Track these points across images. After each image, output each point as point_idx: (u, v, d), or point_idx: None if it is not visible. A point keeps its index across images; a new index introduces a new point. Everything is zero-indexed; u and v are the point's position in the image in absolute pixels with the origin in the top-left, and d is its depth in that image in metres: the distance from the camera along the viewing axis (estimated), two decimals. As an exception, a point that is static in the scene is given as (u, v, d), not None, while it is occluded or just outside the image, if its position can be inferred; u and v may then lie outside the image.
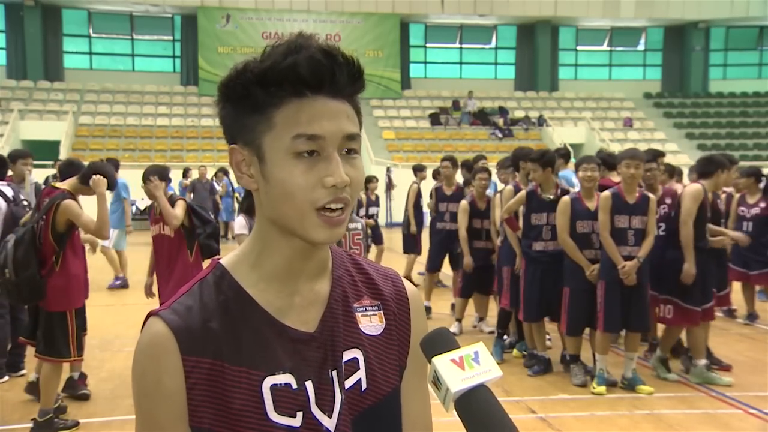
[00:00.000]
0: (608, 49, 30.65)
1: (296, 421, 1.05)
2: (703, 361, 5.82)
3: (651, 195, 5.73)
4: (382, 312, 1.17)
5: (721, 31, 30.40)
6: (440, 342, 1.00)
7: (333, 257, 1.17)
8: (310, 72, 1.01)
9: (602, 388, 5.61)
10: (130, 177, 11.07)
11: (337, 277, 1.15)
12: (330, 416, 1.07)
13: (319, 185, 1.02)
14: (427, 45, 29.72)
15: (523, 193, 6.16)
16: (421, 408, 1.21)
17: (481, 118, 26.44)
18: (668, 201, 6.18)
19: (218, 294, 1.07)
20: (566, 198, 5.83)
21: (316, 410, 1.06)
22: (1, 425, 4.98)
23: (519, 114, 27.10)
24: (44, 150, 21.73)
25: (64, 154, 21.17)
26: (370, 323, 1.15)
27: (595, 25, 29.96)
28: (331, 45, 1.04)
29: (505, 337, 6.88)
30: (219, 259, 1.13)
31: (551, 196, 6.01)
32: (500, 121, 26.36)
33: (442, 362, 0.98)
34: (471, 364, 0.97)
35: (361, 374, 1.11)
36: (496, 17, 28.62)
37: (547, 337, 6.69)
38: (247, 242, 1.13)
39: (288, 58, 1.00)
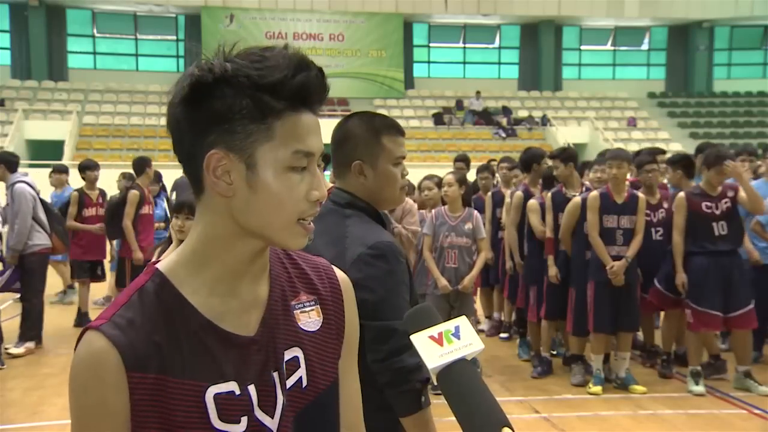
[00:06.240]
0: (612, 48, 30.58)
1: (240, 427, 1.06)
2: (744, 367, 5.64)
3: (640, 194, 5.69)
4: (319, 306, 1.19)
5: (726, 31, 30.32)
6: (421, 318, 1.02)
7: (270, 255, 1.17)
8: (317, 92, 1.04)
9: (598, 388, 5.62)
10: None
11: (275, 276, 1.16)
12: (272, 417, 1.08)
13: (304, 198, 1.05)
14: (431, 45, 29.68)
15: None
16: (352, 392, 1.24)
17: (485, 117, 26.41)
18: (666, 205, 6.13)
19: (159, 304, 1.05)
20: (577, 199, 5.81)
21: (259, 413, 1.07)
22: (6, 424, 4.99)
23: (522, 114, 27.06)
24: (48, 150, 21.79)
25: (68, 154, 21.22)
26: (309, 319, 1.17)
27: (599, 25, 29.89)
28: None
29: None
30: (156, 263, 1.11)
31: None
32: (504, 121, 26.33)
33: (420, 339, 1.00)
34: (450, 339, 0.99)
35: (301, 372, 1.13)
36: (499, 17, 28.58)
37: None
38: (190, 245, 1.10)
39: (299, 75, 1.02)
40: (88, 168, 8.08)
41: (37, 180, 7.39)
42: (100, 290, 9.05)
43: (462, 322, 1.01)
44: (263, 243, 1.09)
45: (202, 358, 1.05)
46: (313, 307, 1.18)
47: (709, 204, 5.58)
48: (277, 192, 1.04)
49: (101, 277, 8.40)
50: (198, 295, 1.07)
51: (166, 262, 1.10)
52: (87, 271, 8.11)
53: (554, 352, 6.58)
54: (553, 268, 6.01)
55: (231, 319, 1.08)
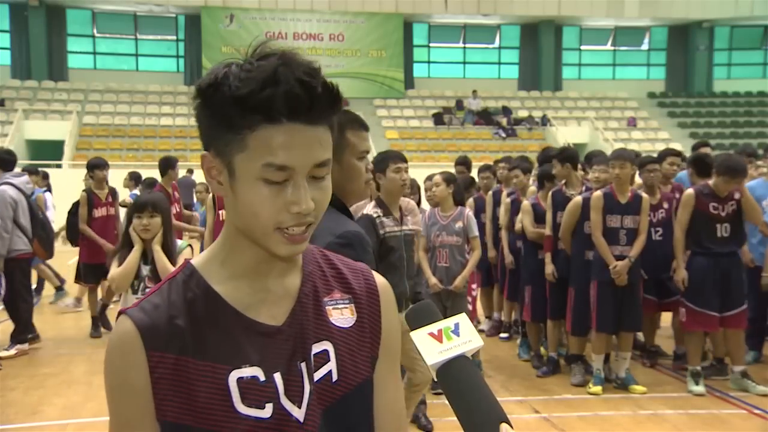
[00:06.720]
0: (612, 48, 30.60)
1: (265, 413, 1.08)
2: (740, 368, 5.66)
3: (644, 195, 5.71)
4: (353, 305, 1.20)
5: (726, 31, 30.33)
6: (422, 315, 1.03)
7: (304, 253, 1.19)
8: (286, 107, 1.02)
9: (598, 388, 5.62)
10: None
11: (308, 273, 1.18)
12: (299, 407, 1.10)
13: (285, 210, 1.05)
14: (431, 44, 29.69)
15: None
16: (392, 397, 1.23)
17: (485, 117, 26.42)
18: (666, 206, 6.13)
19: (186, 291, 1.11)
20: (578, 198, 5.82)
21: (285, 401, 1.09)
22: (6, 424, 4.99)
23: (522, 114, 27.07)
24: (48, 150, 21.80)
25: (68, 154, 21.23)
26: (341, 316, 1.18)
27: (599, 25, 29.90)
28: (312, 70, 1.03)
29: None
30: (190, 259, 1.18)
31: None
32: (504, 121, 26.34)
33: (420, 336, 1.01)
34: (450, 336, 1.00)
35: (331, 366, 1.14)
36: (499, 17, 28.59)
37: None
38: (217, 242, 1.16)
39: (266, 89, 1.01)
40: (96, 167, 7.69)
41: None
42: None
43: (462, 319, 1.01)
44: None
45: (225, 343, 1.08)
46: (347, 305, 1.19)
47: (716, 205, 5.55)
48: (250, 202, 1.05)
49: None
50: (225, 285, 1.12)
51: (200, 256, 1.17)
52: (97, 275, 7.63)
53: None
54: (549, 266, 6.02)
55: (258, 310, 1.12)
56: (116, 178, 9.61)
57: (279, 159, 1.03)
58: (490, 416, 0.94)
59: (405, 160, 4.33)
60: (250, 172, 1.04)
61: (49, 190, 9.45)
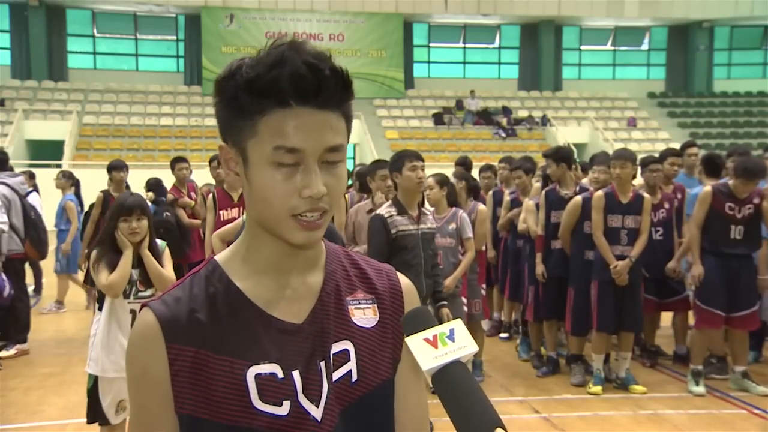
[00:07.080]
0: (612, 48, 30.61)
1: (283, 410, 1.07)
2: (741, 368, 5.66)
3: (646, 195, 5.70)
4: (376, 305, 1.19)
5: (726, 31, 30.34)
6: (417, 321, 1.03)
7: (327, 252, 1.20)
8: (293, 87, 1.02)
9: (598, 388, 5.62)
10: (134, 177, 10.95)
11: (331, 271, 1.18)
12: (317, 406, 1.09)
13: (296, 194, 1.05)
14: (431, 44, 29.70)
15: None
16: (414, 401, 1.22)
17: (485, 117, 26.43)
18: (666, 206, 6.14)
19: (208, 286, 1.11)
20: (578, 198, 5.82)
21: (303, 399, 1.08)
22: (6, 424, 4.99)
23: (522, 114, 27.08)
24: (48, 150, 21.81)
25: (68, 154, 21.24)
26: (364, 316, 1.17)
27: (599, 25, 29.91)
28: (320, 55, 1.04)
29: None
30: (214, 255, 1.18)
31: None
32: (504, 121, 26.34)
33: (415, 341, 1.00)
34: (445, 342, 1.00)
35: (351, 366, 1.13)
36: (499, 17, 28.59)
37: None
38: (240, 238, 1.17)
39: (272, 71, 1.02)
40: (114, 168, 7.45)
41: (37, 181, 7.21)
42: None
43: (457, 324, 1.01)
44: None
45: (245, 338, 1.09)
46: (370, 306, 1.18)
47: (732, 206, 5.51)
48: (262, 187, 1.06)
49: None
50: (247, 281, 1.12)
51: (223, 252, 1.17)
52: None
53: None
54: (539, 266, 6.04)
55: (279, 307, 1.12)
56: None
57: (289, 141, 1.03)
58: (485, 420, 0.94)
59: (421, 159, 4.35)
60: (261, 156, 1.05)
61: (36, 190, 9.32)
